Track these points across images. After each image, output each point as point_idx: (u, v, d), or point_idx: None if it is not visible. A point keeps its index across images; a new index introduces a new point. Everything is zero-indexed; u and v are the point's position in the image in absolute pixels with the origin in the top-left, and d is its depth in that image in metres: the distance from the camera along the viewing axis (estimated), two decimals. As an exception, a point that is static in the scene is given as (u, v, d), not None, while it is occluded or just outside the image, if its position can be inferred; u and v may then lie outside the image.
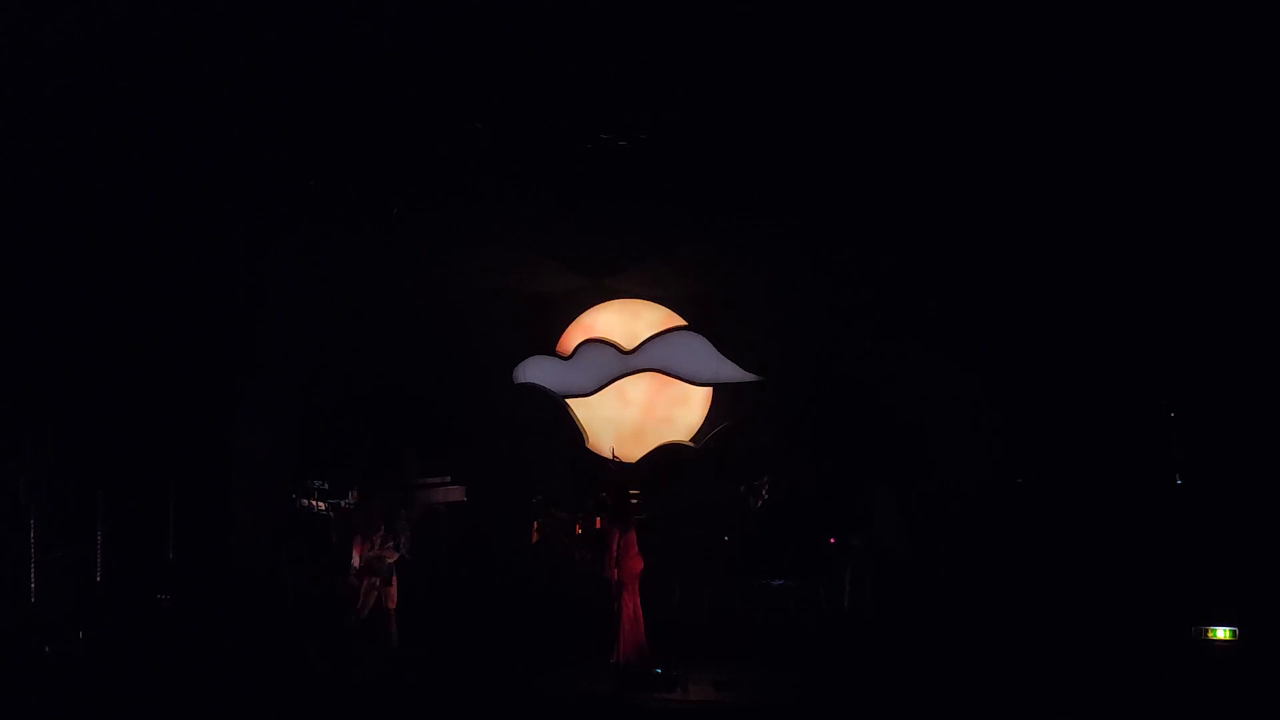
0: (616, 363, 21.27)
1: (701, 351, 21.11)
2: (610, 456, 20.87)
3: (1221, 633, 15.69)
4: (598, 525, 18.53)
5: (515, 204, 18.64)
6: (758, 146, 17.45)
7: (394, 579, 18.14)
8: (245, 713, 15.60)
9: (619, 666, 16.85)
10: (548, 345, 21.67)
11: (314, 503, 20.02)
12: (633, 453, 21.25)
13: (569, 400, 21.49)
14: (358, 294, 20.09)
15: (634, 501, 19.44)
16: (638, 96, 16.24)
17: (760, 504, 20.23)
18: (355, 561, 17.92)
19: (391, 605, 18.06)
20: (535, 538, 18.86)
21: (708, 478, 20.65)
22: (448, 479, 20.40)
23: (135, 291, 17.75)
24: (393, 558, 18.08)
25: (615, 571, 17.39)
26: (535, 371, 21.49)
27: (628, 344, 21.28)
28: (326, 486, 20.14)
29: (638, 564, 17.61)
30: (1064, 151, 16.61)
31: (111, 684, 16.10)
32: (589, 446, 21.42)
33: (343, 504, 20.00)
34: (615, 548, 17.47)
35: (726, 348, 21.00)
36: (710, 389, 21.40)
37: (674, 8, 14.38)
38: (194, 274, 18.18)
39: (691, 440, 21.44)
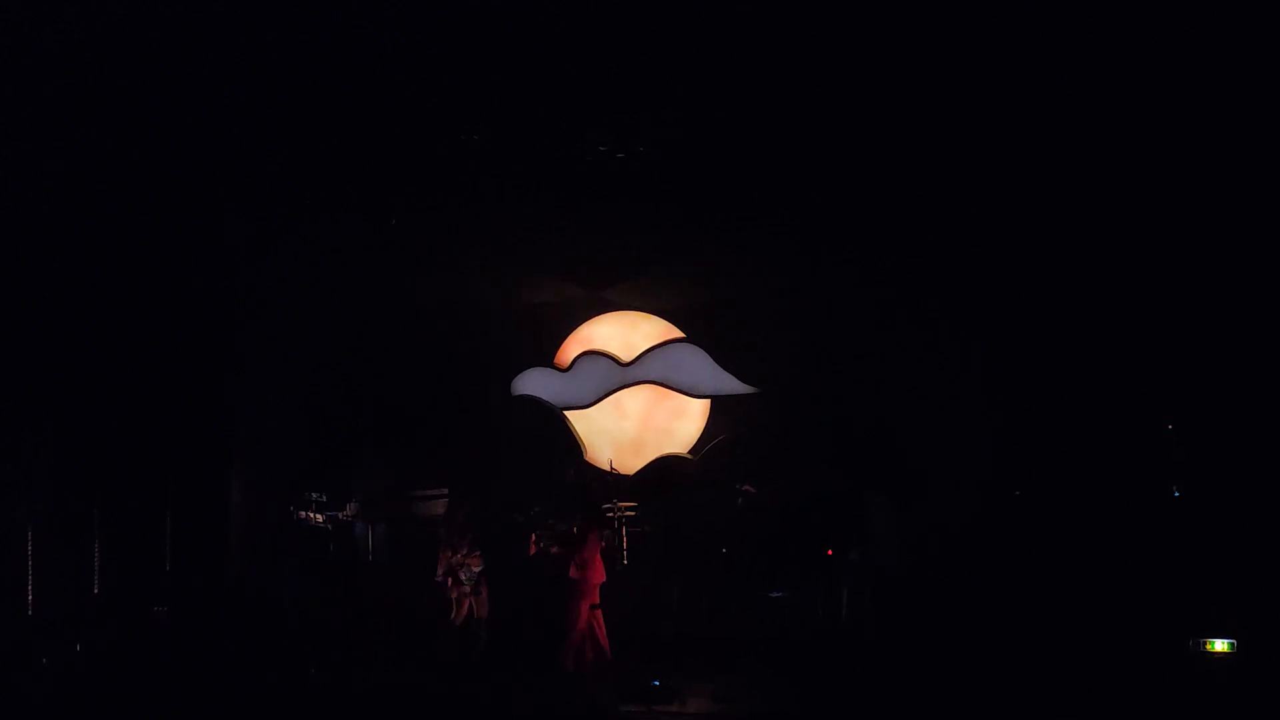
0: (614, 375, 21.32)
1: (700, 363, 21.15)
2: (609, 469, 20.84)
3: (1220, 645, 15.62)
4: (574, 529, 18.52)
5: (514, 206, 18.68)
6: (756, 154, 17.50)
7: (484, 588, 18.34)
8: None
9: (598, 675, 17.01)
10: (546, 357, 21.72)
11: (312, 515, 20.01)
12: (631, 465, 21.23)
13: (567, 412, 21.54)
14: (357, 300, 20.18)
15: (608, 514, 19.76)
16: (637, 97, 16.28)
17: (745, 503, 20.20)
18: (439, 571, 18.10)
19: (483, 614, 18.14)
20: (533, 550, 18.82)
21: (706, 490, 20.61)
22: (445, 491, 20.36)
23: (135, 291, 17.77)
24: (479, 566, 18.18)
25: (574, 570, 17.59)
26: (533, 383, 21.56)
27: (626, 356, 21.34)
28: (324, 499, 20.13)
29: (599, 575, 17.66)
30: (1064, 156, 16.66)
31: (108, 693, 16.12)
32: (587, 459, 21.44)
33: (340, 516, 20.03)
34: (584, 552, 17.59)
35: (725, 360, 21.03)
36: (708, 401, 21.40)
37: (674, 9, 14.41)
38: (194, 274, 18.24)
39: (690, 452, 21.41)
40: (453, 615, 18.08)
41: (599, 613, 17.53)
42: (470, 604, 18.19)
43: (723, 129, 16.96)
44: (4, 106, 14.95)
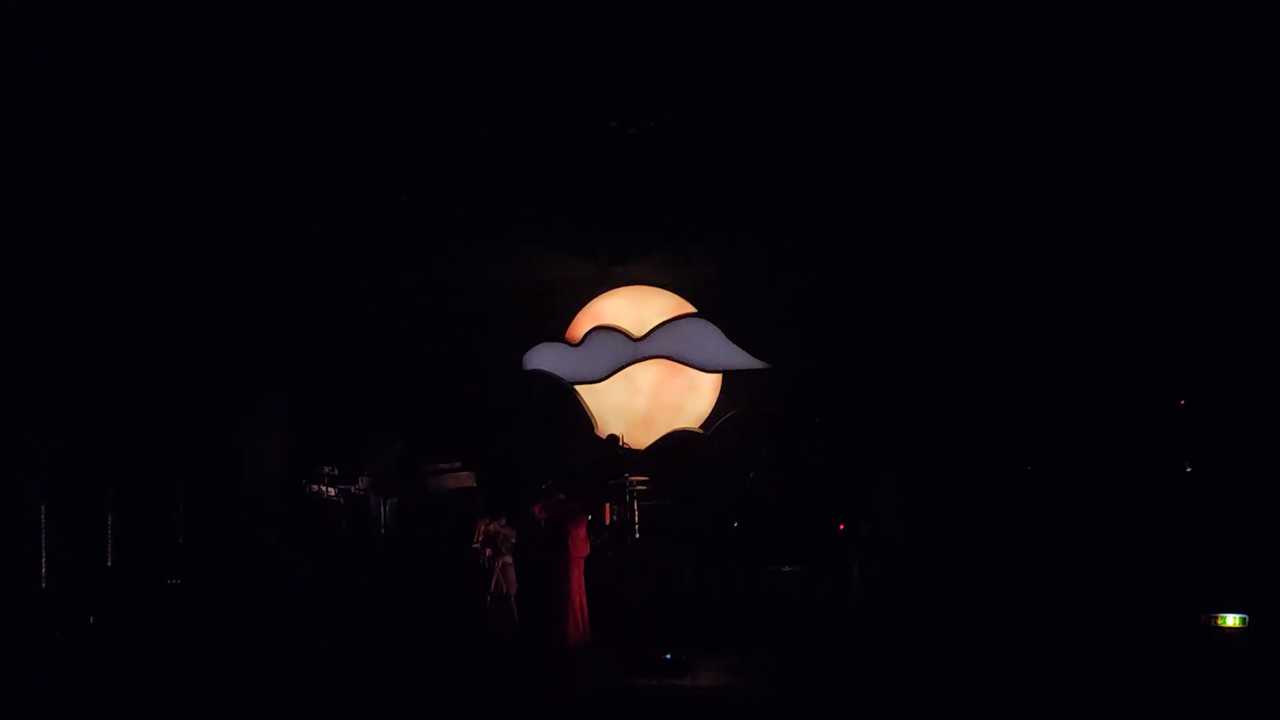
0: (626, 350, 21.21)
1: (711, 338, 21.02)
2: (619, 443, 20.82)
3: (1231, 620, 15.64)
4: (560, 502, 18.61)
5: (518, 203, 18.64)
6: (762, 142, 17.41)
7: (512, 564, 18.47)
8: (250, 709, 15.71)
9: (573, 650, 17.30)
10: (557, 332, 21.68)
11: (324, 489, 20.07)
12: (642, 440, 21.19)
13: (578, 387, 21.47)
14: (365, 280, 20.20)
15: (620, 488, 19.95)
16: (639, 96, 16.21)
17: (754, 475, 20.28)
18: (478, 538, 18.16)
19: (512, 590, 18.17)
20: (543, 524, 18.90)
21: (717, 464, 20.63)
22: (458, 465, 20.40)
23: (136, 291, 17.90)
24: (513, 536, 18.27)
25: (549, 547, 18.05)
26: (545, 358, 21.49)
27: (637, 331, 21.24)
28: (337, 472, 20.16)
29: (584, 547, 17.80)
30: (1064, 150, 16.59)
31: (120, 665, 16.30)
32: (598, 433, 21.40)
33: (353, 489, 20.08)
34: (568, 526, 17.73)
35: (736, 334, 20.93)
36: (720, 376, 21.33)
37: (674, 7, 14.33)
38: (194, 274, 18.29)
39: (701, 427, 21.37)
40: (493, 586, 18.13)
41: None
42: (499, 578, 18.28)
43: (725, 125, 16.90)
44: (4, 107, 14.93)
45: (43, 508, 17.16)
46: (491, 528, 18.30)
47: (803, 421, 20.40)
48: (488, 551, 18.36)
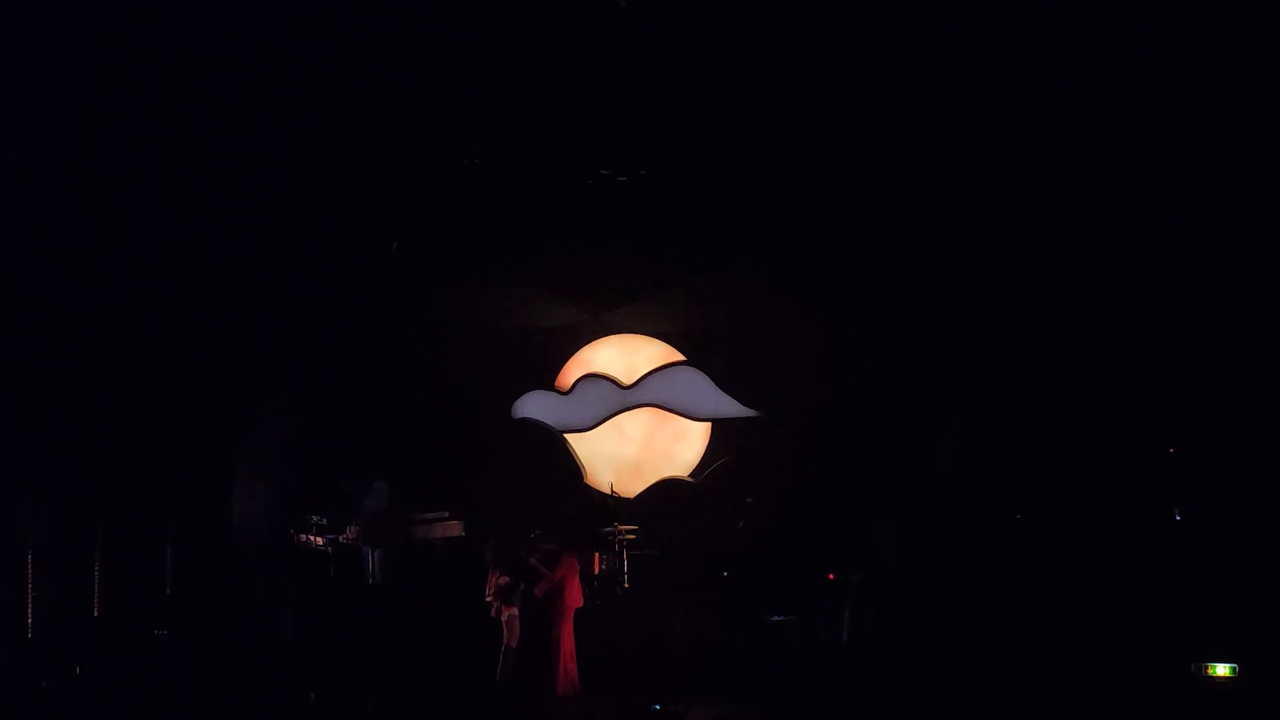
0: (615, 398, 21.24)
1: (700, 387, 21.09)
2: (609, 492, 20.79)
3: (1222, 669, 15.60)
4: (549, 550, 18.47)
5: (515, 237, 18.71)
6: (755, 183, 17.53)
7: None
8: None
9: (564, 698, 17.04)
10: (547, 380, 21.66)
11: (312, 538, 20.00)
12: (632, 488, 21.17)
13: (568, 435, 21.45)
14: (360, 325, 20.26)
15: (609, 537, 19.88)
16: (638, 131, 16.32)
17: (747, 520, 20.21)
18: (489, 593, 17.93)
19: (514, 642, 17.98)
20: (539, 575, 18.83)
21: (706, 513, 20.58)
22: (446, 514, 20.35)
23: (125, 337, 18.00)
24: (520, 587, 18.17)
25: (539, 591, 17.50)
26: (534, 406, 21.48)
27: (627, 379, 21.28)
28: (324, 522, 20.11)
29: (577, 599, 17.58)
30: (1063, 191, 16.75)
31: (108, 716, 16.17)
32: (588, 481, 21.37)
33: (341, 538, 20.01)
34: (561, 574, 17.53)
35: (725, 383, 20.98)
36: (709, 424, 21.37)
37: (672, 47, 14.45)
38: (186, 320, 18.37)
39: (690, 475, 21.39)
40: (506, 639, 17.92)
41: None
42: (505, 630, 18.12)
43: (721, 164, 17.02)
44: (11, 109, 14.99)
45: (29, 556, 17.09)
46: (502, 580, 18.12)
47: (793, 469, 20.34)
48: (497, 604, 18.17)
